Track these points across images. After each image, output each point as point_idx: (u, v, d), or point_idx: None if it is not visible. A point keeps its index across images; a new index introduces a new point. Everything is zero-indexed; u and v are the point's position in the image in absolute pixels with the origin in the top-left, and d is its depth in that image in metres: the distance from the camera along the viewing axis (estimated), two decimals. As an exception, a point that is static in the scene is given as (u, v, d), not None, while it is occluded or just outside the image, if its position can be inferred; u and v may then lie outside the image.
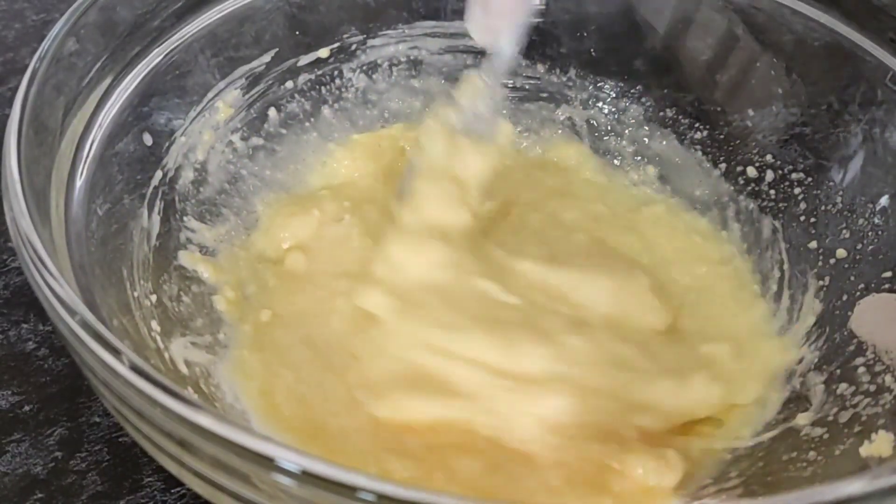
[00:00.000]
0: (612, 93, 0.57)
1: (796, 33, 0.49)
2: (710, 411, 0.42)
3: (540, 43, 0.57)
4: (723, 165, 0.53)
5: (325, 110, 0.54)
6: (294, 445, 0.31)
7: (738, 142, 0.53)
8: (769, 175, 0.51)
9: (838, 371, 0.41)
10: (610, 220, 0.53)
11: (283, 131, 0.53)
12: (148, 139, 0.45)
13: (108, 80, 0.42)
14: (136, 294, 0.40)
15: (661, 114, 0.55)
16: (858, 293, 0.44)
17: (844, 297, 0.44)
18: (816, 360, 0.43)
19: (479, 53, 0.56)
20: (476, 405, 0.40)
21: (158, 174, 0.45)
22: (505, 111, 0.51)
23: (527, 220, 0.52)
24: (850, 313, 0.43)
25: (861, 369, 0.40)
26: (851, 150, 0.47)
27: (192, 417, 0.26)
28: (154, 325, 0.40)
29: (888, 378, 0.39)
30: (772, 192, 0.51)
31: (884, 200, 0.45)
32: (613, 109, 0.57)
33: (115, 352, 0.28)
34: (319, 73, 0.54)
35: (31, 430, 0.42)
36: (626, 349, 0.43)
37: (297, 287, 0.47)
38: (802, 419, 0.40)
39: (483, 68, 0.47)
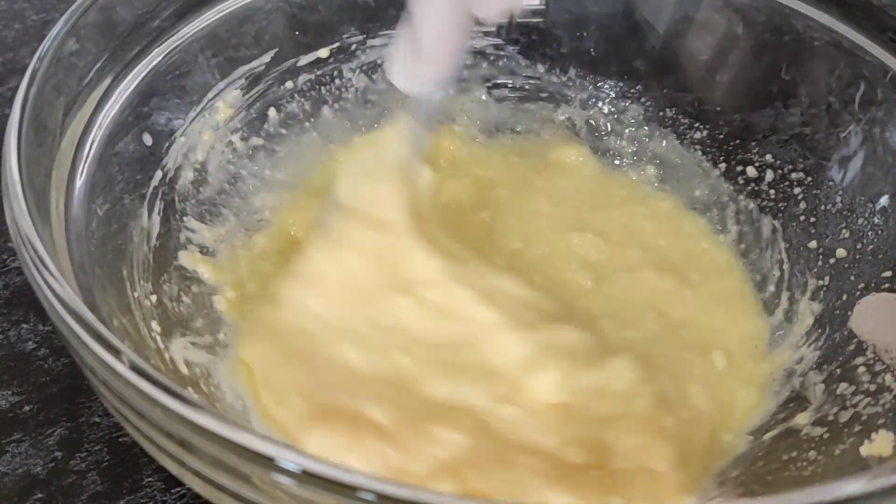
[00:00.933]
0: (611, 93, 0.57)
1: (796, 33, 0.49)
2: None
3: (540, 43, 0.57)
4: (722, 165, 0.53)
5: (325, 110, 0.54)
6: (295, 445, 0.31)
7: (737, 141, 0.53)
8: (769, 175, 0.51)
9: (838, 370, 0.41)
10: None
11: (283, 131, 0.53)
12: (148, 139, 0.45)
13: (108, 80, 0.42)
14: (136, 294, 0.40)
15: (661, 114, 0.55)
16: (858, 293, 0.44)
17: (844, 297, 0.44)
18: (816, 359, 0.43)
19: (478, 54, 0.57)
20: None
21: (158, 174, 0.45)
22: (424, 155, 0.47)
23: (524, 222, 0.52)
24: (849, 313, 0.43)
25: (861, 369, 0.40)
26: (851, 149, 0.47)
27: (193, 417, 0.26)
28: (154, 325, 0.40)
29: (888, 377, 0.39)
30: (771, 191, 0.51)
31: (884, 200, 0.45)
32: (613, 109, 0.57)
33: (115, 352, 0.28)
34: (319, 73, 0.54)
35: (31, 430, 0.42)
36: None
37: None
38: (802, 419, 0.40)
39: (410, 111, 0.45)
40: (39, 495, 0.40)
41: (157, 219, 0.44)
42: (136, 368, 0.28)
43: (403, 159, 0.46)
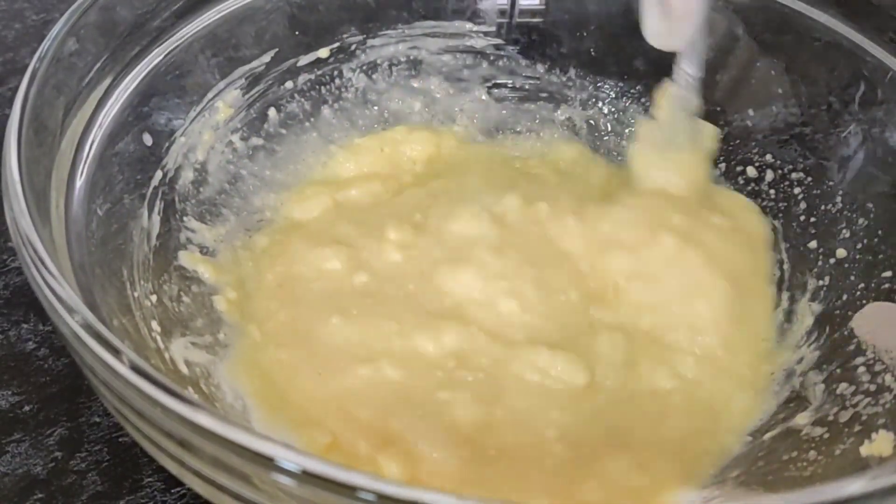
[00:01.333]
0: (611, 93, 0.57)
1: (796, 33, 0.49)
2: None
3: (540, 43, 0.57)
4: (722, 165, 0.53)
5: (325, 110, 0.54)
6: (294, 445, 0.31)
7: (737, 141, 0.53)
8: (769, 175, 0.51)
9: (838, 370, 0.41)
10: None
11: (283, 131, 0.53)
12: (148, 139, 0.45)
13: (108, 80, 0.42)
14: (136, 294, 0.40)
15: (661, 113, 0.55)
16: (858, 293, 0.44)
17: (844, 297, 0.44)
18: (816, 359, 0.43)
19: (478, 54, 0.57)
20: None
21: (158, 174, 0.45)
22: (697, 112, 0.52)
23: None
24: (850, 313, 0.43)
25: (861, 369, 0.40)
26: (851, 149, 0.47)
27: (193, 417, 0.26)
28: (154, 325, 0.40)
29: (888, 377, 0.39)
30: (772, 191, 0.51)
31: (883, 200, 0.45)
32: (613, 109, 0.57)
33: (115, 352, 0.28)
34: (319, 73, 0.54)
35: (31, 430, 0.42)
36: None
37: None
38: (802, 419, 0.40)
39: (674, 76, 0.49)
40: (39, 495, 0.40)
41: (157, 219, 0.44)
42: (136, 368, 0.28)
43: (685, 125, 0.50)
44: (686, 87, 0.49)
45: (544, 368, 0.42)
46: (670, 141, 0.50)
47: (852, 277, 0.44)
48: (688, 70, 0.49)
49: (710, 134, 0.51)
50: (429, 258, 0.47)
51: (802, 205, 0.49)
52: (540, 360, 0.42)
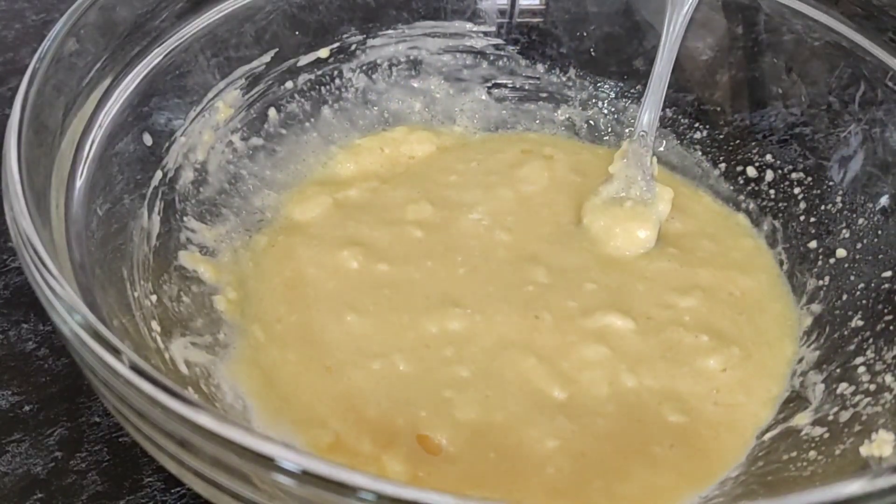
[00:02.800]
0: (611, 93, 0.57)
1: (796, 33, 0.49)
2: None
3: (540, 43, 0.57)
4: (722, 165, 0.53)
5: (325, 110, 0.54)
6: (296, 444, 0.31)
7: (737, 142, 0.53)
8: (769, 175, 0.51)
9: (838, 370, 0.41)
10: None
11: (283, 131, 0.53)
12: (148, 139, 0.44)
13: (108, 80, 0.42)
14: (136, 294, 0.40)
15: (661, 114, 0.55)
16: (858, 293, 0.44)
17: (844, 297, 0.44)
18: (816, 359, 0.43)
19: (478, 54, 0.57)
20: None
21: (158, 174, 0.45)
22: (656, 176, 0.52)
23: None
24: (850, 313, 0.43)
25: (861, 368, 0.40)
26: (851, 149, 0.47)
27: (193, 417, 0.26)
28: (154, 325, 0.40)
29: (888, 377, 0.39)
30: (771, 191, 0.51)
31: (884, 200, 0.45)
32: (613, 109, 0.57)
33: (115, 352, 0.28)
34: (319, 73, 0.54)
35: (31, 430, 0.42)
36: None
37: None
38: (802, 419, 0.40)
39: (631, 139, 0.52)
40: (39, 495, 0.40)
41: (157, 219, 0.44)
42: (136, 368, 0.28)
43: (639, 183, 0.51)
44: (641, 143, 0.51)
45: (530, 378, 0.42)
46: (620, 197, 0.50)
47: (852, 277, 0.44)
48: (643, 125, 0.51)
49: (665, 197, 0.50)
50: (449, 229, 0.49)
51: (802, 205, 0.49)
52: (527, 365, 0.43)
